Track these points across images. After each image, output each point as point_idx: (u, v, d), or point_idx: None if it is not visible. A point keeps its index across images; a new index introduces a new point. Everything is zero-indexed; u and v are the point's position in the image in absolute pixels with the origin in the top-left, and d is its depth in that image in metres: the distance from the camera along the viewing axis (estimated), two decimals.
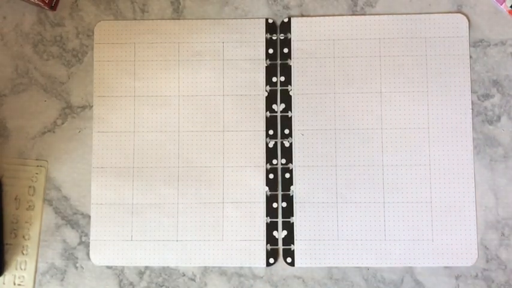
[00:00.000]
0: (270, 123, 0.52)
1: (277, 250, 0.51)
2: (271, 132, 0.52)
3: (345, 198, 0.51)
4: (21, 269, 0.51)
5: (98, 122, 0.53)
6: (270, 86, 0.52)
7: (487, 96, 0.52)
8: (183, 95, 0.53)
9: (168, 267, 0.51)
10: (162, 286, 0.51)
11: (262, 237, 0.51)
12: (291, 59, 0.53)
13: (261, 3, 0.53)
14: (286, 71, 0.52)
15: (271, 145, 0.52)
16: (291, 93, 0.52)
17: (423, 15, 0.52)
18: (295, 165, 0.51)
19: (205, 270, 0.51)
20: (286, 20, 0.53)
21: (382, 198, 0.51)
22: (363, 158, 0.51)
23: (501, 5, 0.52)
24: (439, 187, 0.51)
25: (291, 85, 0.52)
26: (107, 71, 0.53)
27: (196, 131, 0.52)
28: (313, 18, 0.53)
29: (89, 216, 0.52)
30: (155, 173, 0.52)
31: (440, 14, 0.52)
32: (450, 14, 0.52)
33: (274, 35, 0.53)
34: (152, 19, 0.54)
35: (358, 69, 0.52)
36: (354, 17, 0.53)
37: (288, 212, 0.51)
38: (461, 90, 0.52)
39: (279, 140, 0.52)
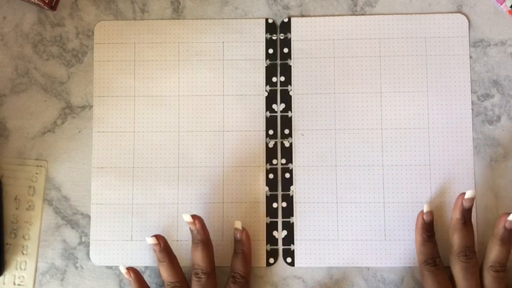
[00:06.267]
0: (270, 123, 0.52)
1: (277, 250, 0.51)
2: (271, 132, 0.52)
3: (345, 198, 0.51)
4: (21, 269, 0.51)
5: (98, 122, 0.53)
6: (270, 86, 0.52)
7: (487, 96, 0.52)
8: (183, 95, 0.53)
9: None
10: (162, 286, 0.51)
11: (262, 237, 0.51)
12: (291, 59, 0.53)
13: (261, 3, 0.53)
14: (286, 71, 0.52)
15: (271, 145, 0.52)
16: (291, 93, 0.52)
17: (423, 15, 0.52)
18: (295, 165, 0.51)
19: None
20: (286, 20, 0.53)
21: (382, 198, 0.51)
22: (363, 158, 0.51)
23: (501, 5, 0.52)
24: (439, 187, 0.51)
25: (291, 85, 0.52)
26: (107, 71, 0.53)
27: (196, 131, 0.52)
28: (313, 18, 0.53)
29: (89, 216, 0.52)
30: (155, 173, 0.52)
31: (440, 14, 0.52)
32: (450, 14, 0.52)
33: (274, 35, 0.53)
34: (152, 19, 0.54)
35: (358, 69, 0.52)
36: (354, 17, 0.53)
37: (288, 212, 0.51)
38: (461, 90, 0.52)
39: (279, 140, 0.52)
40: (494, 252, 0.45)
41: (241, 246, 0.48)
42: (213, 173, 0.52)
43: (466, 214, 0.46)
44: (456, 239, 0.46)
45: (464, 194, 0.46)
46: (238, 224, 0.49)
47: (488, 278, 0.45)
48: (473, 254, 0.46)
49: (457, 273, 0.46)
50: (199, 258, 0.47)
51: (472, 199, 0.46)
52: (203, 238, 0.48)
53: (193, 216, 0.48)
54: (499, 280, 0.45)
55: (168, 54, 0.53)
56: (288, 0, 0.53)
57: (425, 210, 0.47)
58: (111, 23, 0.53)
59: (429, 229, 0.47)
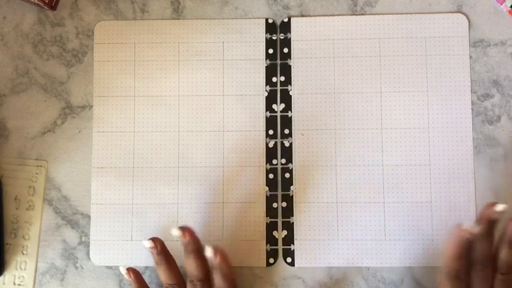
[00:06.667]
0: (270, 123, 0.52)
1: (277, 250, 0.51)
2: (271, 132, 0.52)
3: (345, 198, 0.51)
4: (21, 269, 0.51)
5: (98, 122, 0.53)
6: (270, 86, 0.52)
7: (487, 96, 0.52)
8: (183, 95, 0.53)
9: None
10: (162, 286, 0.51)
11: (262, 237, 0.51)
12: (290, 59, 0.53)
13: (261, 3, 0.53)
14: (286, 71, 0.52)
15: (271, 145, 0.52)
16: (291, 93, 0.52)
17: (423, 15, 0.52)
18: (295, 165, 0.51)
19: None
20: (286, 20, 0.53)
21: (382, 198, 0.51)
22: (363, 158, 0.51)
23: (501, 5, 0.52)
24: (439, 187, 0.51)
25: (291, 85, 0.52)
26: (106, 71, 0.53)
27: (196, 131, 0.52)
28: (313, 18, 0.53)
29: (89, 216, 0.52)
30: (155, 173, 0.52)
31: (440, 14, 0.52)
32: (450, 14, 0.52)
33: (274, 35, 0.53)
34: (152, 19, 0.54)
35: (358, 69, 0.52)
36: (354, 17, 0.53)
37: (288, 212, 0.51)
38: (461, 90, 0.52)
39: (279, 140, 0.52)
40: (501, 255, 0.45)
41: (220, 270, 0.45)
42: (213, 173, 0.52)
43: (491, 225, 0.45)
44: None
45: (492, 204, 0.45)
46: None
47: (495, 281, 0.45)
48: (490, 263, 0.45)
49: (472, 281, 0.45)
50: (193, 267, 0.46)
51: (501, 212, 0.44)
52: (194, 248, 0.46)
53: (183, 229, 0.47)
54: (508, 283, 0.45)
55: (168, 54, 0.53)
56: (288, 0, 0.53)
57: (470, 229, 0.44)
58: (111, 23, 0.53)
59: (466, 247, 0.45)
